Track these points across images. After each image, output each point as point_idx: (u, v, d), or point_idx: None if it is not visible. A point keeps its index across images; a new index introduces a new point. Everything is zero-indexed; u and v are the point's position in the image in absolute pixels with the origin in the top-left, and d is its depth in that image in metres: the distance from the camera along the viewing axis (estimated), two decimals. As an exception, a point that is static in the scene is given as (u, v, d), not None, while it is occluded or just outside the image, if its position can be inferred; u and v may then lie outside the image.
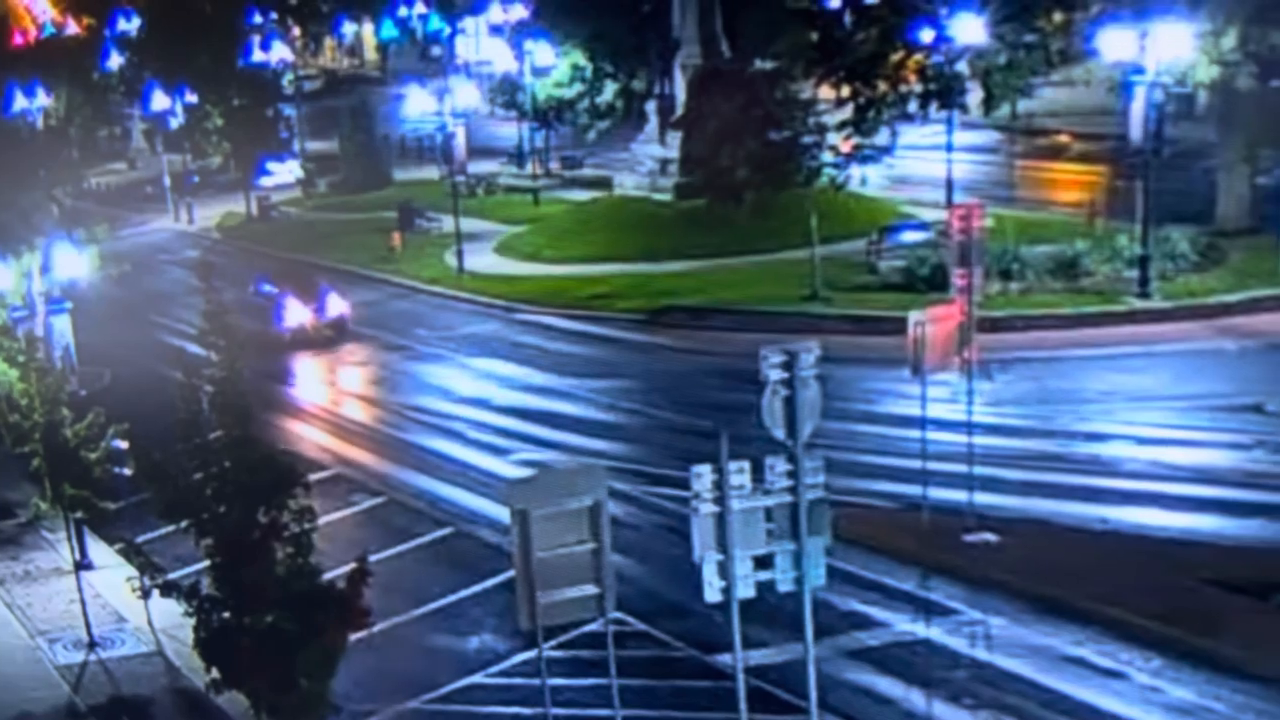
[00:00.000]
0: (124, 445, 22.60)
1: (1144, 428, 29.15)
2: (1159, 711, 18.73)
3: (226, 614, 15.95)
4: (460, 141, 62.94)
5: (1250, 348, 34.99)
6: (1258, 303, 38.31)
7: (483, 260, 52.07)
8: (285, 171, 72.08)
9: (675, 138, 57.45)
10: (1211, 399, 30.99)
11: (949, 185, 53.64)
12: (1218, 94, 47.71)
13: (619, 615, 18.95)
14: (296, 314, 42.42)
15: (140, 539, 19.55)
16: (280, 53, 78.96)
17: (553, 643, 18.94)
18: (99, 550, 26.54)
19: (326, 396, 38.43)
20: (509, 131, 73.42)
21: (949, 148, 54.54)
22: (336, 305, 43.08)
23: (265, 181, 70.22)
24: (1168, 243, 40.89)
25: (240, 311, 27.70)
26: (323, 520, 18.01)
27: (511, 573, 15.62)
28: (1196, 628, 20.43)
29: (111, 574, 25.48)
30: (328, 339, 42.16)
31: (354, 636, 16.76)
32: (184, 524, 16.04)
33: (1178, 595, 21.47)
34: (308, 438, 33.63)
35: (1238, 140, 45.48)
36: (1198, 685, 19.16)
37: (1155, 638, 20.42)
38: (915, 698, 19.52)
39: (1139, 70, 41.21)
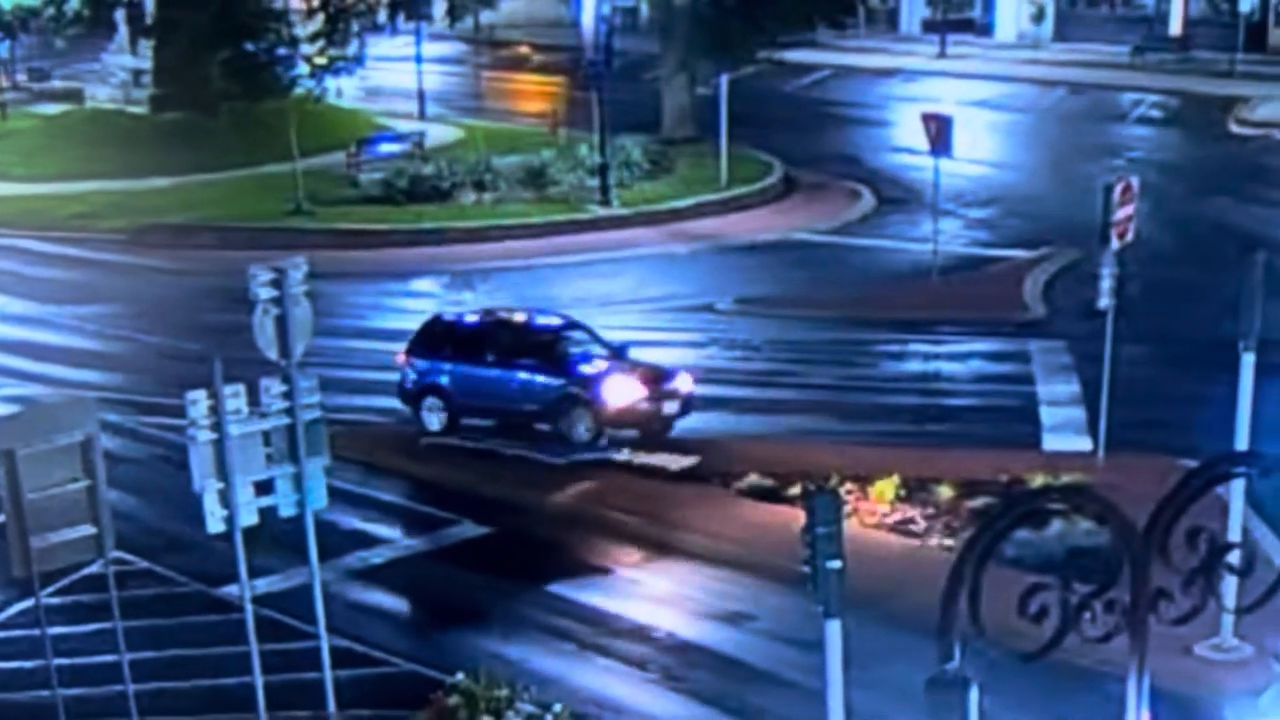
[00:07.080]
0: None
1: (615, 331, 29.71)
2: (644, 603, 19.26)
3: None
4: (-83, 53, 57.38)
5: (700, 250, 36.50)
6: (702, 208, 40.07)
7: (-51, 181, 47.78)
8: None
9: (148, 47, 54.35)
10: (671, 300, 32.17)
11: (420, 97, 53.30)
12: (657, 7, 49.07)
13: (119, 555, 17.71)
14: (624, 390, 24.68)
15: None
16: None
17: (51, 589, 17.54)
18: None
19: None
20: (-30, 42, 67.53)
21: (418, 59, 54.09)
22: (686, 381, 25.17)
23: None
24: (622, 152, 41.94)
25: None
26: None
27: (0, 518, 14.32)
28: (669, 520, 21.12)
29: None
30: (658, 431, 24.42)
31: None
32: None
33: (655, 489, 22.14)
34: None
35: (676, 52, 46.95)
36: (675, 576, 19.84)
37: (633, 532, 21.03)
38: (419, 614, 19.32)
39: (588, -19, 41.85)
